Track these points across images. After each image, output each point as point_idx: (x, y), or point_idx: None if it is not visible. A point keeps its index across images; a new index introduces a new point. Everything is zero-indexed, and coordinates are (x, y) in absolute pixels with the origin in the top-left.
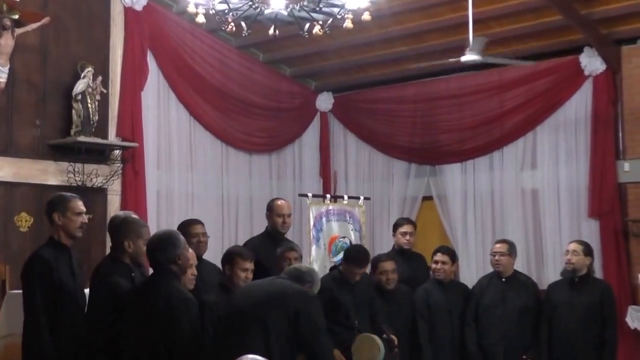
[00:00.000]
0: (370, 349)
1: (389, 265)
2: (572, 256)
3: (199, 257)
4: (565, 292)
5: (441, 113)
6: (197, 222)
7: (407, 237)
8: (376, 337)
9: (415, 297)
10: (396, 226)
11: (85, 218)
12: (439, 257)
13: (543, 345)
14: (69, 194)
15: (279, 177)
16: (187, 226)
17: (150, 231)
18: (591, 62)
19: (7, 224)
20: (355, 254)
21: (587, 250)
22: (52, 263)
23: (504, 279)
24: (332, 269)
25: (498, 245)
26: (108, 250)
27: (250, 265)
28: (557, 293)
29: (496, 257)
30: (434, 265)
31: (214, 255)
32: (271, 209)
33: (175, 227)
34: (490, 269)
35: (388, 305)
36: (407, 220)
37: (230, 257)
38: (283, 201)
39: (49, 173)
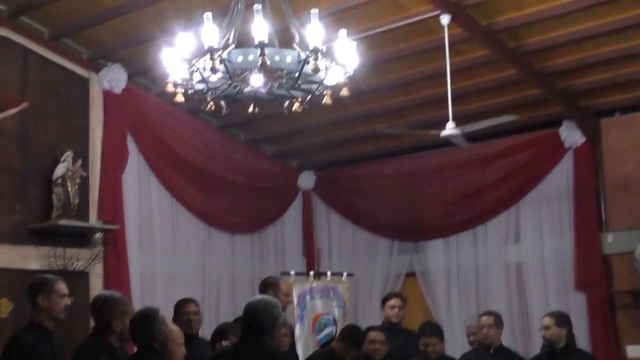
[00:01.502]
0: None
1: (378, 336)
2: (546, 331)
3: (193, 335)
4: None
5: (423, 189)
6: (189, 300)
7: (396, 310)
8: None
9: None
10: (385, 300)
11: (68, 300)
12: (426, 340)
13: None
14: (51, 276)
15: (262, 257)
16: (179, 305)
17: (134, 308)
18: (571, 135)
19: None
20: (351, 335)
21: (560, 321)
22: (33, 346)
23: (491, 351)
24: (323, 345)
25: (485, 318)
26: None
27: None
28: None
29: (484, 330)
30: (422, 349)
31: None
32: (276, 286)
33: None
34: None
35: None
36: (396, 295)
37: (224, 334)
38: (286, 281)
39: (30, 258)
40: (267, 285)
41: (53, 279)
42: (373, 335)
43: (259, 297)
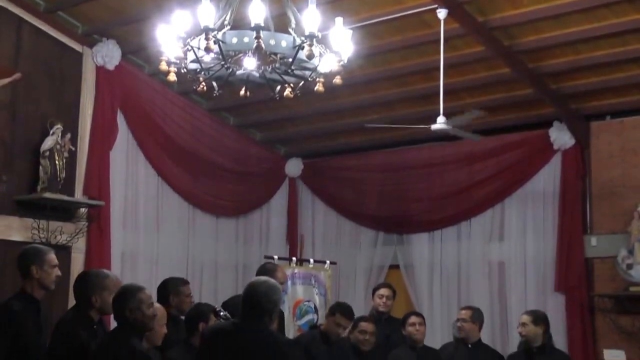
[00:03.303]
0: None
1: (369, 327)
2: (522, 328)
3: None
4: None
5: (410, 182)
6: (187, 281)
7: (384, 299)
8: None
9: None
10: (375, 290)
11: (59, 271)
12: (414, 319)
13: None
14: (43, 246)
15: (246, 241)
16: (179, 285)
17: (115, 280)
18: (560, 137)
19: None
20: (343, 305)
21: (537, 320)
22: (21, 315)
23: (470, 345)
24: (312, 327)
25: (463, 312)
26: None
27: None
28: None
29: (459, 324)
30: (410, 329)
31: None
32: (273, 273)
33: None
34: None
35: None
36: (386, 284)
37: (206, 316)
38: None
39: (13, 229)
40: (265, 272)
41: (45, 249)
42: (364, 325)
43: (263, 278)
